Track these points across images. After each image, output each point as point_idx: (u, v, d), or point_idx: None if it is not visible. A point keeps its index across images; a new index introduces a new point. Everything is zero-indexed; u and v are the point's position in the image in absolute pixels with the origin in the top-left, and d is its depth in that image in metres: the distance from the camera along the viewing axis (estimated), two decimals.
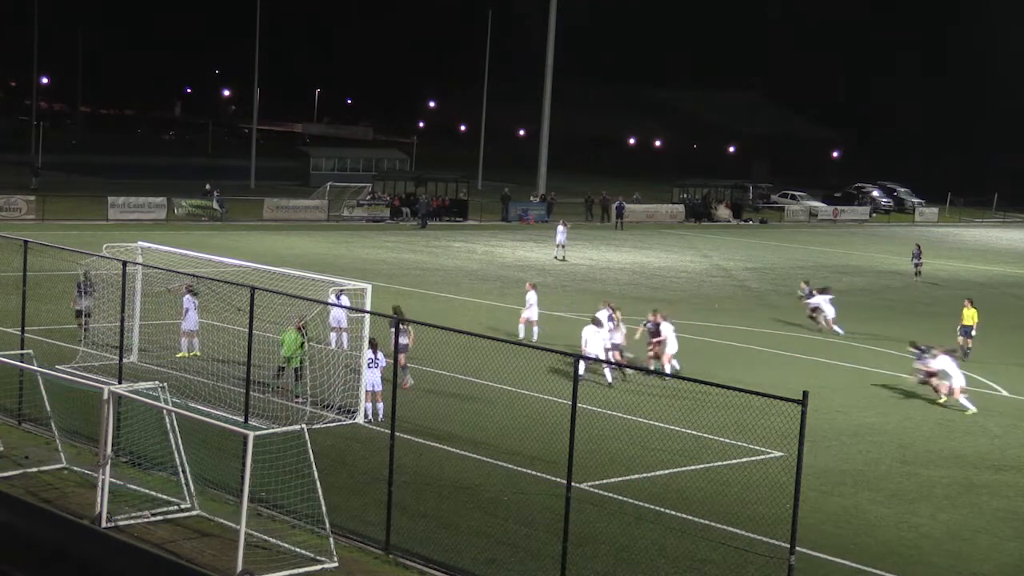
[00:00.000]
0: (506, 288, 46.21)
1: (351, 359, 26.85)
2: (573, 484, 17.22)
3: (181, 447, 19.27)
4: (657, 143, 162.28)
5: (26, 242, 26.14)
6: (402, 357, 25.06)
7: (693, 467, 23.67)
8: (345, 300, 28.74)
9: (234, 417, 21.22)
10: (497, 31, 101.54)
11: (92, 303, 29.79)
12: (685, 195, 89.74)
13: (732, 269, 58.96)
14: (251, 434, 17.29)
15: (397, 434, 18.85)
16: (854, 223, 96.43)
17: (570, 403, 16.95)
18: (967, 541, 20.84)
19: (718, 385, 16.81)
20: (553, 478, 21.60)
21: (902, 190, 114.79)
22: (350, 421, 25.25)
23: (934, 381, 30.63)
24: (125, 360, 24.96)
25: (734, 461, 24.06)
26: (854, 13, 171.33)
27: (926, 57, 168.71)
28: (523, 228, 74.15)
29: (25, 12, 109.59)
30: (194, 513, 19.11)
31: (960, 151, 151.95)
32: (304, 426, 18.27)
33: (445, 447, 23.81)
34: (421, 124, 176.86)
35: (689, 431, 25.63)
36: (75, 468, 20.82)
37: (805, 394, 14.73)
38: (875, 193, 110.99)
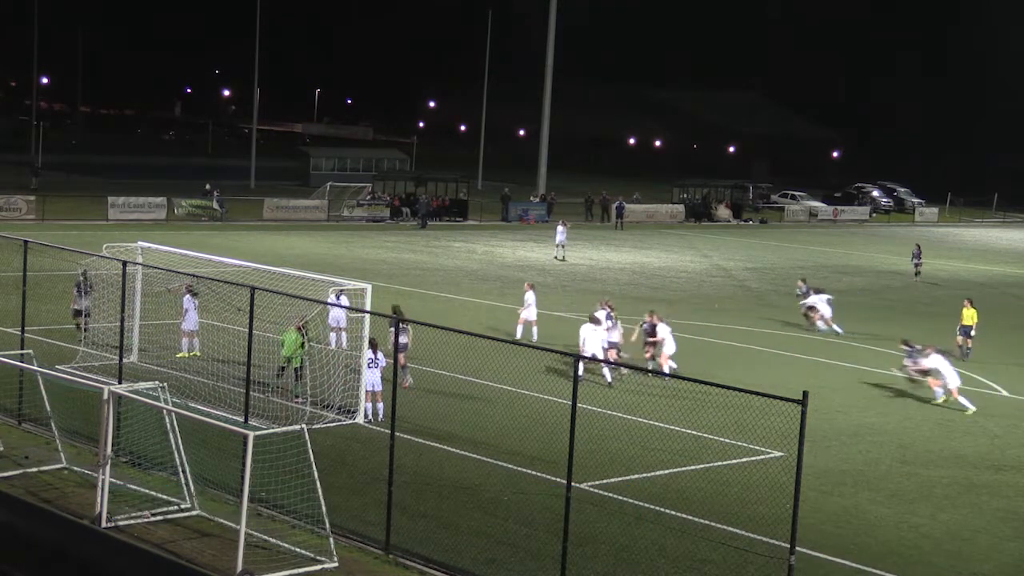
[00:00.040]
0: (506, 288, 46.20)
1: (351, 359, 26.85)
2: (573, 484, 17.23)
3: (181, 447, 19.27)
4: (657, 143, 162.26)
5: (26, 242, 26.14)
6: (402, 357, 25.06)
7: (693, 467, 23.67)
8: (345, 300, 28.75)
9: (234, 417, 21.23)
10: (497, 31, 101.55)
11: (91, 303, 29.80)
12: (685, 195, 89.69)
13: (732, 269, 58.95)
14: (251, 434, 17.30)
15: (397, 434, 18.85)
16: (854, 223, 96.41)
17: (570, 403, 16.96)
18: (967, 541, 20.84)
19: (718, 385, 16.81)
20: (553, 478, 21.59)
21: (902, 190, 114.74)
22: (350, 421, 25.25)
23: (928, 379, 30.64)
24: (125, 360, 24.97)
25: (734, 461, 24.06)
26: (854, 13, 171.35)
27: (926, 57, 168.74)
28: (523, 228, 74.14)
29: (25, 12, 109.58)
30: (194, 513, 19.11)
31: (960, 151, 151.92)
32: (304, 426, 18.28)
33: (445, 447, 23.81)
34: (421, 124, 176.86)
35: (689, 431, 25.62)
36: (75, 468, 20.82)
37: (805, 394, 14.73)
38: (875, 193, 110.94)
